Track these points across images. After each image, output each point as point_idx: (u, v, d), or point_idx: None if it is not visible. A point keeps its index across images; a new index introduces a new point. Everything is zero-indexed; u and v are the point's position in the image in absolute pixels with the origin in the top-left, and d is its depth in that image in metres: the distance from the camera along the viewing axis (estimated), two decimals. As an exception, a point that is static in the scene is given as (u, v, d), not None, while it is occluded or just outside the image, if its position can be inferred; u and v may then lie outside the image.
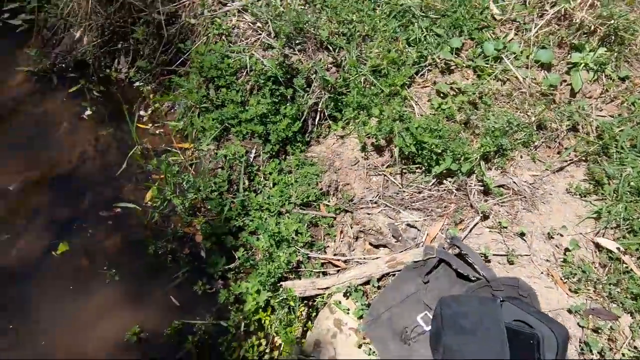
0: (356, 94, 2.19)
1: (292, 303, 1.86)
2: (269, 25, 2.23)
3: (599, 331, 1.48)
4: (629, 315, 1.51)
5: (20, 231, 2.03)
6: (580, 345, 1.47)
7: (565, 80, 2.13)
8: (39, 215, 2.08)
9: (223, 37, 2.30)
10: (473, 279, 1.64)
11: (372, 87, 2.21)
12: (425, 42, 2.31)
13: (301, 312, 1.87)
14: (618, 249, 1.63)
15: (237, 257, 1.97)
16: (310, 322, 1.88)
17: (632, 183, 1.72)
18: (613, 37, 2.06)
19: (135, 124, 2.37)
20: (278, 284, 1.93)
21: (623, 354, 1.43)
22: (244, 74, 2.26)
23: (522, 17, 2.30)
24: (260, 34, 2.24)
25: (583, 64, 2.08)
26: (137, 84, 2.59)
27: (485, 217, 1.85)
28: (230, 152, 2.17)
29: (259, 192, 2.22)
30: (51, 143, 2.35)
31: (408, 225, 1.95)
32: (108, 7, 2.42)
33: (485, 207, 1.84)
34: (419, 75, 2.30)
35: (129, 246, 2.07)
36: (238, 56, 2.22)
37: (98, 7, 2.38)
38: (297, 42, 2.24)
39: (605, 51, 2.06)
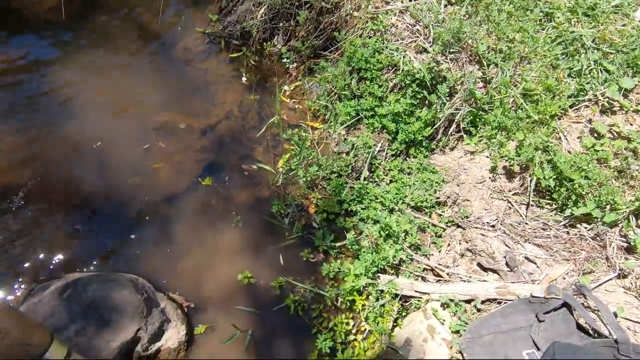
0: (499, 114, 2.14)
1: (387, 296, 1.92)
2: (429, 30, 2.28)
3: None
4: None
5: (180, 162, 2.41)
6: None
7: None
8: (192, 153, 2.45)
9: (379, 34, 2.41)
10: (593, 334, 1.53)
11: (520, 111, 2.13)
12: (589, 76, 2.16)
13: (392, 307, 1.93)
14: None
15: (347, 238, 2.09)
16: (400, 319, 1.93)
17: None
18: None
19: (279, 96, 2.62)
20: (377, 274, 2.01)
21: None
22: (390, 71, 2.35)
23: None
24: (417, 37, 2.30)
25: None
26: (285, 60, 2.84)
27: (623, 276, 1.70)
28: (361, 141, 2.29)
29: (376, 184, 2.31)
30: (209, 97, 2.72)
31: (526, 258, 1.87)
32: (283, -12, 2.69)
33: (628, 265, 1.68)
34: (573, 108, 2.16)
35: (255, 200, 2.32)
36: (391, 53, 2.31)
37: (275, -13, 2.67)
38: (452, 50, 2.25)
39: None
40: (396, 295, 1.95)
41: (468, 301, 1.82)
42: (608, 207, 1.81)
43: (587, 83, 2.15)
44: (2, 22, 2.79)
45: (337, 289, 2.02)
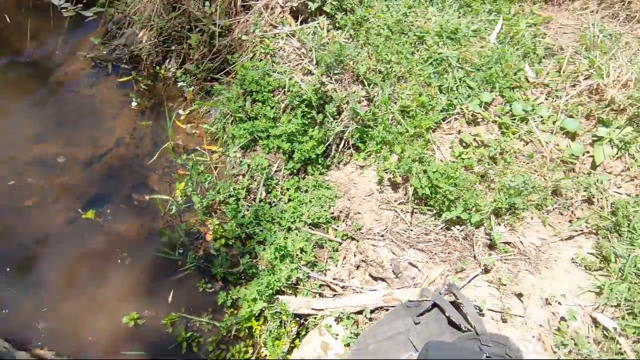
0: (382, 130, 2.29)
1: (284, 317, 1.92)
2: (312, 53, 2.38)
3: (582, 408, 1.47)
4: (615, 397, 1.50)
5: (58, 197, 2.19)
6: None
7: (588, 152, 2.17)
8: (73, 186, 2.25)
9: (268, 56, 2.47)
10: (464, 329, 1.66)
11: (399, 126, 2.31)
12: (456, 92, 2.41)
13: (292, 328, 1.93)
14: (615, 328, 1.62)
15: (241, 263, 2.05)
16: (298, 339, 1.93)
17: (638, 265, 1.72)
18: (641, 119, 2.10)
19: (173, 120, 2.54)
20: (275, 297, 1.99)
21: None
22: (281, 93, 2.41)
23: (555, 84, 2.37)
24: (302, 60, 2.40)
25: (608, 139, 2.11)
26: (181, 84, 2.78)
27: (486, 271, 1.88)
28: (255, 162, 2.29)
29: (273, 205, 2.32)
30: (96, 125, 2.54)
31: (410, 264, 2.00)
32: (170, 12, 2.64)
33: (489, 260, 1.87)
34: (445, 121, 2.38)
35: (146, 233, 2.19)
36: (279, 76, 2.37)
37: (162, 11, 2.61)
38: (336, 72, 2.37)
39: (632, 131, 2.09)
40: (294, 315, 1.95)
41: (360, 312, 1.88)
42: (473, 209, 2.01)
43: (455, 98, 2.39)
44: None
45: (235, 317, 1.96)
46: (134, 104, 2.68)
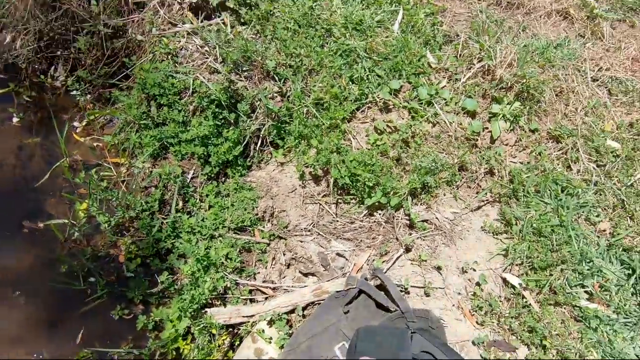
0: (298, 124, 2.27)
1: (214, 331, 1.81)
2: (216, 50, 2.27)
3: (499, 362, 1.59)
4: (525, 347, 1.65)
5: None
6: (482, 377, 1.57)
7: (486, 128, 2.36)
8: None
9: (169, 57, 2.30)
10: (392, 310, 1.70)
11: (314, 119, 2.30)
12: (367, 81, 2.46)
13: (223, 340, 1.82)
14: (520, 284, 1.78)
15: (160, 280, 1.89)
16: (232, 351, 1.83)
17: (534, 225, 1.91)
18: (526, 94, 2.34)
19: (66, 134, 2.26)
20: (203, 311, 1.87)
21: (518, 385, 1.54)
22: (188, 94, 2.26)
23: (454, 68, 2.54)
24: (207, 58, 2.27)
25: (501, 115, 2.32)
26: (74, 93, 2.48)
27: (408, 250, 1.95)
28: (166, 171, 2.12)
29: (193, 214, 2.17)
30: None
31: (337, 254, 2.00)
32: (49, 13, 2.34)
33: (409, 240, 1.95)
34: (359, 111, 2.43)
35: (39, 264, 1.92)
36: (183, 77, 2.22)
37: (37, 11, 2.30)
38: (244, 69, 2.29)
39: (520, 105, 2.32)
40: (226, 326, 1.85)
41: (292, 311, 1.84)
42: (391, 192, 2.08)
43: (366, 87, 2.45)
44: None
45: (159, 341, 1.80)
46: (15, 119, 2.33)
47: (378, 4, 2.80)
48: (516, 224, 1.97)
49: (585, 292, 1.77)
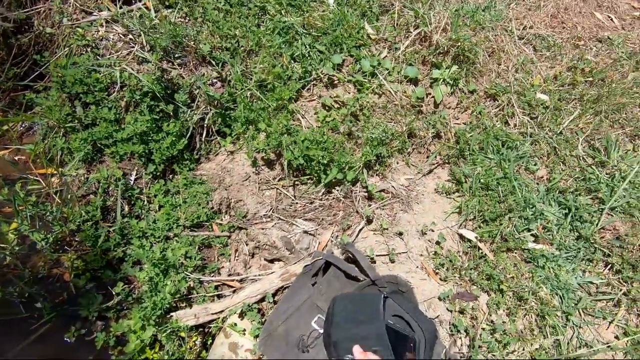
0: (243, 109, 2.17)
1: (182, 334, 1.73)
2: (142, 38, 2.08)
3: (464, 312, 1.69)
4: (485, 294, 1.76)
5: None
6: (450, 327, 1.66)
7: (429, 94, 2.42)
8: None
9: (89, 49, 2.07)
10: (361, 279, 1.73)
11: (260, 102, 2.21)
12: (309, 58, 2.41)
13: (194, 342, 1.75)
14: (476, 237, 1.89)
15: (114, 292, 1.76)
16: (206, 351, 1.77)
17: (482, 180, 2.02)
18: (462, 57, 2.42)
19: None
20: (168, 316, 1.78)
21: (483, 329, 1.65)
22: (117, 89, 2.06)
23: (392, 37, 2.55)
24: (132, 47, 2.08)
25: (442, 79, 2.39)
26: (-21, 101, 2.17)
27: (369, 222, 1.98)
28: (104, 175, 1.94)
29: (142, 217, 2.03)
30: None
31: (305, 232, 1.98)
32: None
33: (369, 211, 1.97)
34: (305, 89, 2.38)
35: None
36: (108, 70, 2.02)
37: None
38: (177, 56, 2.13)
39: (457, 68, 2.40)
40: (195, 327, 1.77)
41: (263, 299, 1.80)
42: (347, 167, 2.08)
43: (309, 65, 2.39)
44: None
45: (124, 355, 1.69)
46: None
47: (310, -23, 2.72)
48: (465, 182, 2.07)
49: (532, 235, 1.92)
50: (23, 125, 2.18)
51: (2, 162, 2.08)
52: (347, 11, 2.57)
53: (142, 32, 2.07)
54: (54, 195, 2.02)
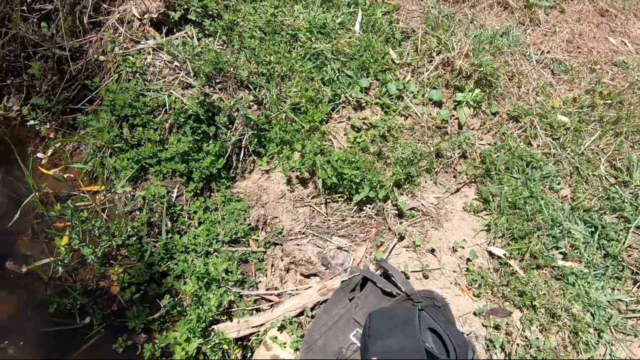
0: (278, 130, 2.29)
1: (225, 347, 1.79)
2: (187, 65, 2.23)
3: (499, 328, 1.74)
4: (518, 310, 1.81)
5: None
6: (486, 343, 1.71)
7: (453, 115, 2.53)
8: None
9: (137, 75, 2.23)
10: (396, 294, 1.79)
11: (293, 124, 2.34)
12: (338, 82, 2.55)
13: (236, 354, 1.81)
14: (505, 254, 1.95)
15: (162, 305, 1.84)
16: (246, 363, 1.83)
17: (509, 199, 2.10)
18: (484, 81, 2.54)
19: (32, 168, 2.11)
20: (210, 329, 1.85)
21: (518, 344, 1.70)
22: (162, 112, 2.21)
23: (416, 62, 2.69)
24: (178, 73, 2.23)
25: (465, 102, 2.50)
26: (31, 123, 2.32)
27: (401, 238, 2.06)
28: (150, 192, 2.06)
29: (183, 233, 2.13)
30: None
31: (338, 248, 2.06)
32: (-5, 40, 2.17)
33: (401, 228, 2.05)
34: (335, 111, 2.51)
35: (25, 309, 1.79)
36: (155, 94, 2.16)
37: (-18, 39, 2.13)
38: (217, 81, 2.28)
39: (480, 91, 2.52)
40: (236, 340, 1.84)
41: (301, 313, 1.87)
42: (378, 186, 2.18)
43: (338, 88, 2.53)
44: None
45: (170, 366, 1.76)
46: (-32, 158, 2.14)
47: (336, 6, 2.89)
48: (493, 201, 2.14)
49: (560, 253, 1.98)
50: (72, 145, 2.32)
51: (53, 179, 2.20)
52: (372, 37, 2.72)
53: (187, 60, 2.22)
54: (101, 212, 2.13)
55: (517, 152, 2.29)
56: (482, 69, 2.51)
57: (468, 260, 1.96)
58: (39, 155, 2.25)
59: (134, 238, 2.04)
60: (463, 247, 2.02)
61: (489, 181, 2.24)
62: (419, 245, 2.02)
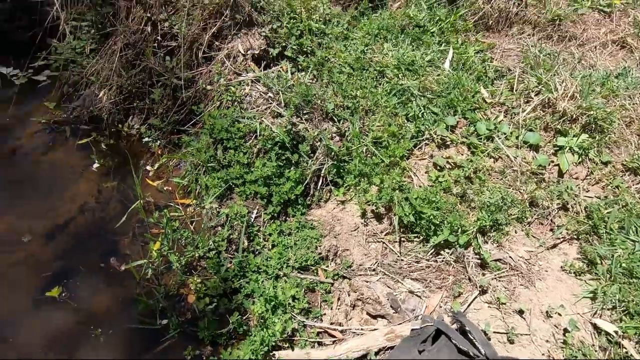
0: (358, 162, 2.30)
1: (285, 376, 1.76)
2: (279, 96, 2.40)
3: (606, 423, 1.43)
4: (634, 405, 1.47)
5: (17, 278, 1.97)
6: None
7: (553, 161, 2.28)
8: (34, 263, 2.04)
9: (235, 103, 2.46)
10: (473, 355, 1.60)
11: (374, 157, 2.33)
12: (422, 119, 2.50)
13: (294, 386, 1.77)
14: (616, 332, 1.63)
15: (230, 321, 1.90)
16: (302, 398, 1.77)
17: (623, 264, 1.77)
18: (593, 125, 2.26)
19: (141, 178, 2.42)
20: (271, 354, 1.84)
21: None
22: (252, 137, 2.38)
23: (510, 102, 2.52)
24: (270, 103, 2.41)
25: (568, 148, 2.24)
26: (146, 139, 2.69)
27: (483, 292, 1.86)
28: (233, 211, 2.20)
29: (257, 253, 2.21)
30: (56, 192, 2.37)
31: (410, 292, 1.93)
32: (130, 70, 2.61)
33: (484, 281, 1.86)
34: (417, 148, 2.44)
35: (118, 303, 2.00)
36: (248, 121, 2.36)
37: (121, 69, 2.57)
38: (305, 112, 2.40)
39: (588, 137, 2.24)
40: (295, 370, 1.80)
41: (365, 356, 1.77)
42: (459, 230, 2.02)
43: (422, 125, 2.48)
44: None
45: (230, 384, 1.78)
46: (95, 165, 2.54)
47: (427, 45, 2.89)
48: (601, 264, 1.83)
49: (696, 341, 1.58)
50: (174, 162, 2.62)
51: (156, 190, 2.49)
52: (462, 75, 2.64)
53: (280, 91, 2.40)
54: (189, 224, 2.33)
55: (636, 210, 1.95)
56: (591, 112, 2.25)
57: (566, 331, 1.68)
58: (148, 167, 2.58)
59: (214, 252, 2.17)
60: (560, 314, 1.74)
61: (597, 240, 1.93)
62: (505, 303, 1.79)
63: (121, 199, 2.42)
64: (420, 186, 2.25)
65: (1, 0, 2.93)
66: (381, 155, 2.32)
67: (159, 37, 2.60)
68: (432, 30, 2.96)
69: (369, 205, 2.22)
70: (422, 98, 2.57)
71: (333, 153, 2.35)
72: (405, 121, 2.50)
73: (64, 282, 2.01)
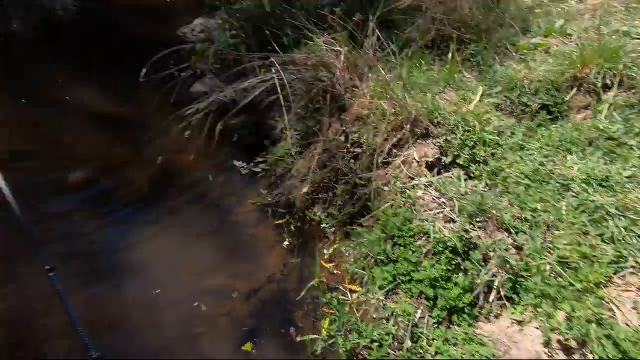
0: (540, 281, 2.14)
1: None
2: (453, 202, 2.54)
3: None
4: None
5: (223, 328, 2.49)
6: None
7: None
8: (236, 317, 2.55)
9: (408, 204, 2.71)
10: None
11: (559, 278, 2.13)
12: (624, 242, 2.19)
13: None
14: None
15: None
16: None
17: None
18: None
19: (318, 258, 2.82)
20: None
21: None
22: (423, 238, 2.53)
23: None
24: (443, 208, 2.56)
25: None
26: (324, 226, 3.16)
27: None
28: (402, 308, 2.29)
29: (419, 356, 2.18)
30: (255, 261, 2.97)
31: None
32: (322, 169, 3.24)
33: None
34: (617, 275, 2.12)
35: (292, 373, 2.24)
36: (420, 223, 2.54)
37: (317, 168, 3.22)
38: (478, 220, 2.44)
39: None
40: None
41: None
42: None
43: (624, 249, 2.16)
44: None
45: None
46: (285, 243, 3.10)
47: (624, 159, 2.64)
48: None
49: None
50: (346, 249, 2.97)
51: (328, 272, 2.84)
52: (679, 195, 2.26)
53: (453, 198, 2.54)
54: (354, 310, 2.52)
55: None
56: None
57: None
58: (324, 250, 2.99)
59: (376, 344, 2.25)
60: None
61: None
62: None
63: (300, 275, 2.84)
64: (627, 324, 1.89)
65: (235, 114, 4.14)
66: (569, 277, 2.10)
67: (348, 145, 3.19)
68: (629, 144, 2.71)
69: (555, 333, 1.98)
70: (621, 218, 2.29)
71: (508, 266, 2.26)
72: (600, 242, 2.24)
73: (254, 339, 2.40)
